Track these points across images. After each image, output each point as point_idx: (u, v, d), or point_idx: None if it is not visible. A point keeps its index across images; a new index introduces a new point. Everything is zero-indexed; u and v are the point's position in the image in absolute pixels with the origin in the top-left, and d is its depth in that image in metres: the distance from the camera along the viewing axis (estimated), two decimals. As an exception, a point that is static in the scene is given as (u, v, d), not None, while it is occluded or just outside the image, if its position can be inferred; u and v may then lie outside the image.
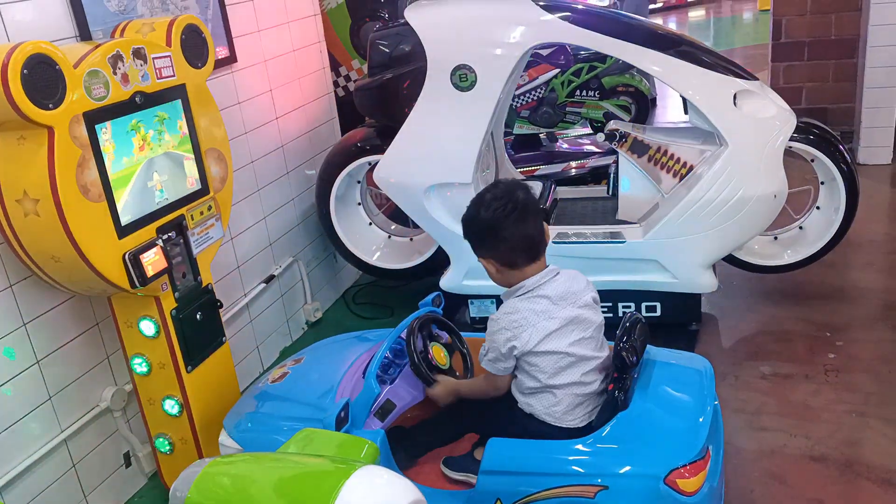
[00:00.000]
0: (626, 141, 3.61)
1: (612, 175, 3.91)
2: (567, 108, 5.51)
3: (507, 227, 2.10)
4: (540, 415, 2.17)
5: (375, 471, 1.16)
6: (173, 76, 2.38)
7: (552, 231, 3.53)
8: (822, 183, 3.55)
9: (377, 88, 3.53)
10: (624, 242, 3.42)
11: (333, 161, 3.72)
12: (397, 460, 2.25)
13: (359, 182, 3.89)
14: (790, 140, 3.26)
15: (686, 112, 3.63)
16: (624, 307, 3.54)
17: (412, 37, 3.31)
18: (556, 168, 5.16)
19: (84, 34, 2.44)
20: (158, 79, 2.33)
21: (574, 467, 2.02)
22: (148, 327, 2.46)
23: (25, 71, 1.90)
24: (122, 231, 2.24)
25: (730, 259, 3.61)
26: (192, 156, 2.49)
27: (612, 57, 5.12)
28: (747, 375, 3.21)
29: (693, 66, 3.22)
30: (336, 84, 4.16)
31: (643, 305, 3.54)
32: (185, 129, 2.46)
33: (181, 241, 2.47)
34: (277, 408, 2.41)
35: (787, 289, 3.83)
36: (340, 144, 3.80)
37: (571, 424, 2.15)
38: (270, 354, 3.53)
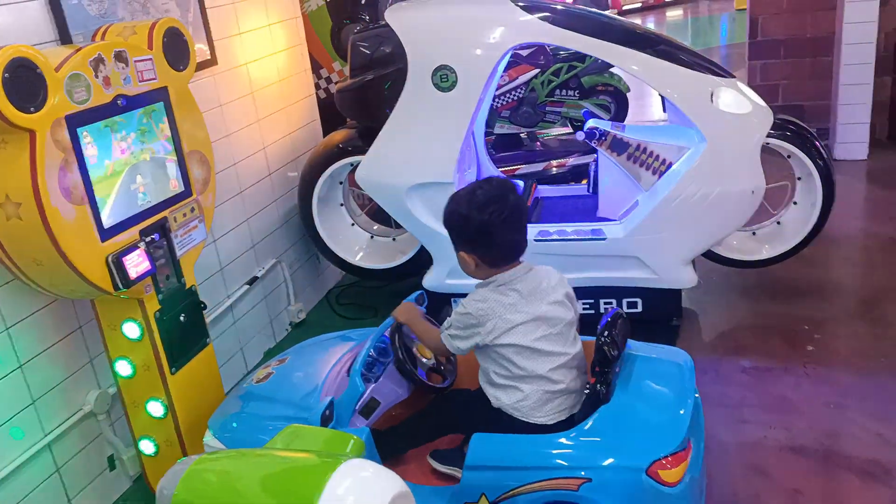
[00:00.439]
0: (605, 139, 3.65)
1: (592, 173, 3.96)
2: (547, 108, 5.54)
3: (500, 233, 2.12)
4: (508, 409, 2.18)
5: (361, 464, 1.18)
6: (155, 79, 2.39)
7: (534, 229, 3.57)
8: (799, 179, 3.61)
9: (358, 90, 3.55)
10: (605, 239, 3.45)
11: (315, 162, 3.73)
12: (382, 457, 2.26)
13: (341, 183, 3.91)
14: (767, 137, 3.31)
15: (665, 110, 3.68)
16: (605, 304, 3.58)
17: (393, 38, 3.34)
18: (537, 167, 5.19)
19: (65, 38, 2.44)
20: (140, 81, 2.33)
21: (557, 461, 2.04)
22: (132, 330, 2.46)
23: (6, 75, 1.90)
24: (105, 234, 2.24)
25: (709, 255, 3.65)
26: (175, 158, 2.50)
27: (591, 56, 5.16)
28: (728, 369, 3.26)
29: (671, 65, 3.27)
30: (317, 86, 4.17)
31: (624, 301, 3.57)
32: (168, 132, 2.46)
33: (164, 243, 2.47)
34: (262, 408, 2.42)
35: (766, 284, 3.88)
36: (322, 146, 3.81)
37: (541, 421, 2.16)
38: (254, 356, 3.53)
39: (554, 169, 5.20)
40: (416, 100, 3.30)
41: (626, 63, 3.31)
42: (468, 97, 3.27)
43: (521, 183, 4.06)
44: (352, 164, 3.69)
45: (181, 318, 2.57)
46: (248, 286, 3.45)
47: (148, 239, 2.39)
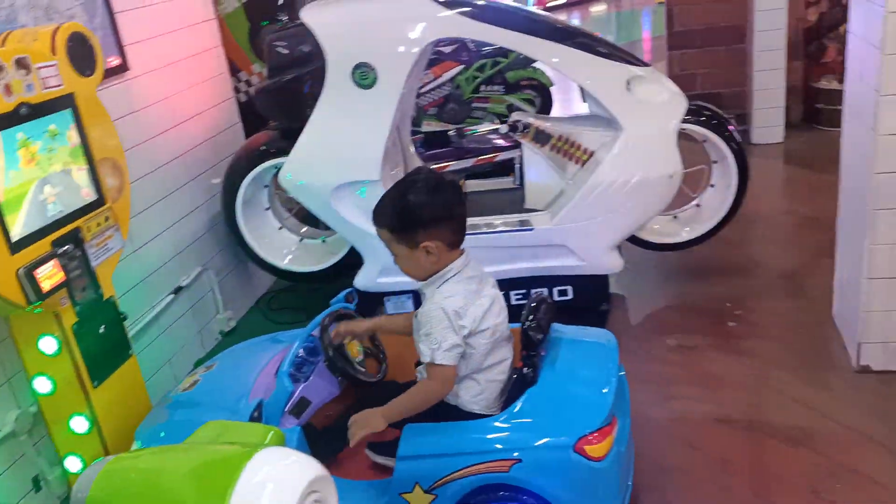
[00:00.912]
0: (528, 131, 3.70)
1: (517, 166, 4.00)
2: (473, 104, 5.59)
3: (458, 207, 2.16)
4: (466, 405, 2.20)
5: (279, 451, 1.18)
6: (60, 85, 2.32)
7: (463, 223, 3.58)
8: (715, 162, 3.72)
9: (278, 90, 3.52)
10: (532, 230, 3.50)
11: (237, 166, 3.67)
12: (321, 458, 2.24)
13: (266, 186, 3.86)
14: (683, 123, 3.40)
15: (584, 100, 3.75)
16: (536, 293, 3.61)
17: (311, 37, 3.31)
18: (466, 163, 5.22)
19: (-39, 46, 2.36)
20: (44, 89, 2.27)
21: (487, 444, 2.07)
22: (49, 344, 2.39)
23: None
24: (15, 246, 2.16)
25: (634, 240, 3.73)
26: (86, 167, 2.43)
27: (514, 52, 5.22)
28: (656, 349, 3.34)
29: (588, 56, 3.33)
30: (237, 89, 4.11)
31: (555, 290, 3.62)
32: (77, 140, 2.40)
33: (79, 253, 2.41)
34: (190, 415, 2.37)
35: (690, 265, 3.99)
36: (243, 149, 3.75)
37: (492, 412, 2.19)
38: (184, 367, 3.45)
39: (483, 164, 5.24)
40: (337, 98, 3.29)
41: (544, 55, 3.36)
42: (389, 94, 3.28)
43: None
44: (276, 167, 3.64)
45: (101, 331, 2.51)
46: (173, 296, 3.38)
47: (61, 250, 2.32)
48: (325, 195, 3.41)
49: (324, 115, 3.34)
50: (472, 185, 4.19)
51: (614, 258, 3.53)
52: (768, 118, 5.68)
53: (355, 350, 2.47)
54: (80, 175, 2.42)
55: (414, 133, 5.22)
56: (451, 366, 2.08)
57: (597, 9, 15.27)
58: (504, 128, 3.74)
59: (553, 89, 5.85)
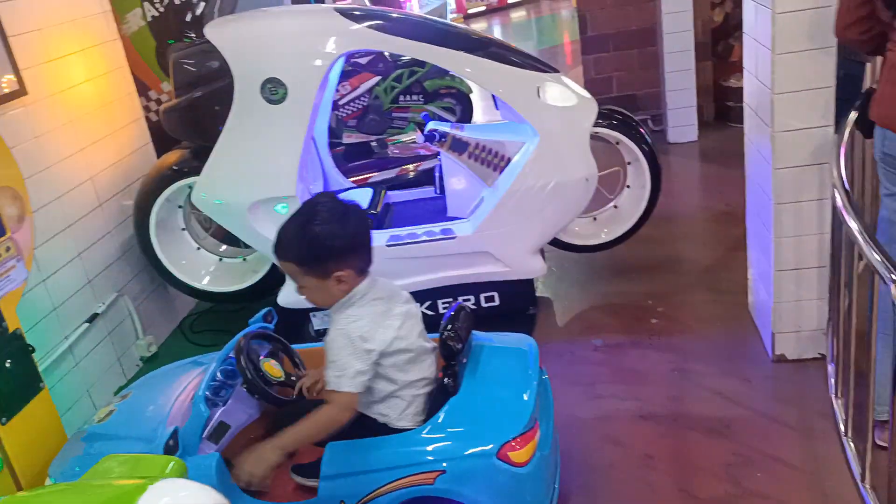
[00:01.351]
0: (445, 141, 3.72)
1: (437, 175, 4.01)
2: (394, 114, 5.58)
3: (366, 233, 2.13)
4: (394, 422, 2.17)
5: (174, 483, 1.13)
6: (-53, 112, 2.22)
7: (385, 235, 3.58)
8: (629, 163, 3.80)
9: (185, 108, 3.44)
10: (454, 238, 3.50)
11: (148, 187, 3.58)
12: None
13: (180, 207, 3.77)
14: (595, 126, 3.46)
15: (497, 108, 3.79)
16: (463, 300, 3.63)
17: (217, 53, 3.26)
18: (389, 174, 5.20)
19: None
20: (-70, 117, 2.17)
21: (411, 458, 2.06)
22: (-50, 383, 2.28)
23: None
24: None
25: (556, 243, 3.78)
26: (-19, 195, 2.34)
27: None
28: (582, 349, 3.39)
29: (498, 64, 3.35)
30: (147, 108, 4.01)
31: (482, 296, 3.64)
32: (-31, 168, 2.30)
33: (-22, 286, 2.31)
34: (105, 447, 2.28)
35: (612, 265, 4.06)
36: (154, 170, 3.66)
37: (415, 423, 2.17)
38: (104, 397, 3.34)
39: (407, 174, 5.24)
40: (247, 115, 3.24)
41: (455, 66, 3.38)
42: (301, 108, 3.24)
43: (370, 190, 4.08)
44: (189, 186, 3.57)
45: (6, 365, 2.40)
46: (87, 324, 3.27)
47: (-42, 284, 2.22)
48: (240, 213, 3.35)
49: (234, 132, 3.28)
50: (394, 196, 4.18)
51: (537, 262, 3.57)
52: (682, 118, 5.83)
53: (275, 370, 2.43)
54: (-25, 205, 2.32)
55: (335, 145, 5.21)
56: (354, 393, 2.03)
57: (517, 14, 15.49)
58: (420, 137, 3.75)
59: (473, 96, 5.90)
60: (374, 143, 5.57)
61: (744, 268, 3.42)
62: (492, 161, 3.66)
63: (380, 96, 5.46)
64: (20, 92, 2.97)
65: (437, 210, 3.93)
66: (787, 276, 2.88)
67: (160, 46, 4.18)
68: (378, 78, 5.36)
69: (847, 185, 2.30)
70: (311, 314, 3.60)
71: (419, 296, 3.53)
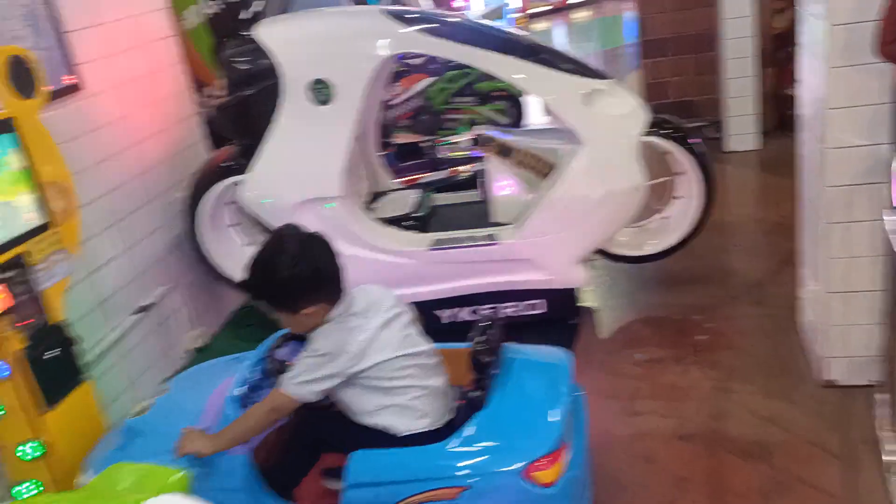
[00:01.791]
0: (492, 145, 3.68)
1: (483, 179, 3.98)
2: (446, 116, 5.57)
3: (331, 265, 2.13)
4: (394, 428, 2.16)
5: (168, 499, 1.14)
6: (0, 109, 2.29)
7: (428, 238, 3.57)
8: (680, 174, 3.70)
9: (234, 107, 3.49)
10: (497, 244, 3.47)
11: (198, 184, 3.64)
12: (279, 492, 2.23)
13: (228, 203, 3.81)
14: (645, 135, 3.39)
15: (547, 113, 3.73)
16: (508, 307, 3.59)
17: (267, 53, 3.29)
18: (440, 175, 5.21)
19: None
20: (-17, 113, 2.24)
21: (436, 471, 2.04)
22: (-3, 370, 2.35)
23: None
24: (-43, 271, 2.14)
25: (601, 253, 3.71)
26: (29, 191, 2.40)
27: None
28: (622, 363, 3.32)
29: (546, 70, 3.31)
30: (203, 104, 4.08)
31: (528, 304, 3.59)
32: (19, 164, 2.36)
33: (26, 278, 2.37)
34: (140, 443, 2.33)
35: (658, 277, 3.97)
36: (205, 166, 3.72)
37: (430, 427, 2.17)
38: (151, 388, 3.40)
39: (457, 175, 5.22)
40: (294, 115, 3.27)
41: (501, 70, 3.35)
42: (347, 110, 3.26)
43: (415, 193, 4.07)
44: (237, 184, 3.61)
45: (51, 355, 2.47)
46: (136, 317, 3.34)
47: (6, 275, 2.29)
48: (287, 211, 3.38)
49: (281, 132, 3.32)
50: (439, 199, 4.17)
51: (581, 272, 3.52)
52: (742, 125, 5.67)
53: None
54: (25, 199, 2.38)
55: (387, 145, 5.22)
56: (293, 397, 2.08)
57: (581, 14, 15.29)
58: (468, 142, 3.73)
59: (525, 99, 5.84)
60: (423, 144, 5.57)
61: (794, 282, 3.31)
62: (537, 167, 3.62)
63: (432, 97, 5.45)
64: (77, 86, 3.05)
65: (481, 214, 3.90)
66: (837, 299, 2.77)
67: (217, 43, 4.25)
68: (431, 79, 5.36)
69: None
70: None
71: (462, 300, 3.54)
